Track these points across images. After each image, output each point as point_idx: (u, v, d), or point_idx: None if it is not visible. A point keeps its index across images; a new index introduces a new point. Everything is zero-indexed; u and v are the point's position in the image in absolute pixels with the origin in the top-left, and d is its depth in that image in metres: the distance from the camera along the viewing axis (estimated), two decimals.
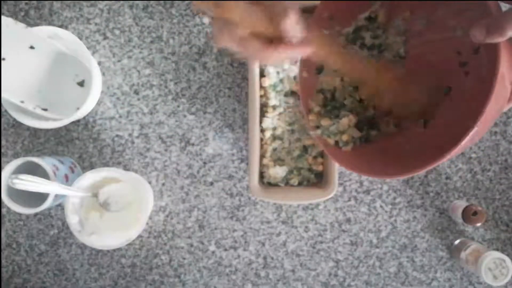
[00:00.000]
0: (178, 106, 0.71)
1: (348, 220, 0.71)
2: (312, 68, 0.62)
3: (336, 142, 0.60)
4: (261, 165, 0.66)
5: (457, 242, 0.70)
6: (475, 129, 0.42)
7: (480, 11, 0.43)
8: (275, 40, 0.43)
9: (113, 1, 0.70)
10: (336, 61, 0.53)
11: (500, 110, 0.45)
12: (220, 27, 0.43)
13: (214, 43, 0.44)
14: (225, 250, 0.71)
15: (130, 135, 0.71)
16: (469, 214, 0.65)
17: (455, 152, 0.44)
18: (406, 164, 0.50)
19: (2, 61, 0.62)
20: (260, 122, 0.65)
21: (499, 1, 0.44)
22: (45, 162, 0.62)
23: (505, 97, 0.45)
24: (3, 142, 0.71)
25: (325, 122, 0.60)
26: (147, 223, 0.71)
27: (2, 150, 0.71)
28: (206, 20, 0.70)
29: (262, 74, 0.65)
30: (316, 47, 0.48)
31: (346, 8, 0.58)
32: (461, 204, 0.67)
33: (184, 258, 0.71)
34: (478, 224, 0.65)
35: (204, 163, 0.71)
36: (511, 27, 0.40)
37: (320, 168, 0.65)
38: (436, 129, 0.54)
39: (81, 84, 0.68)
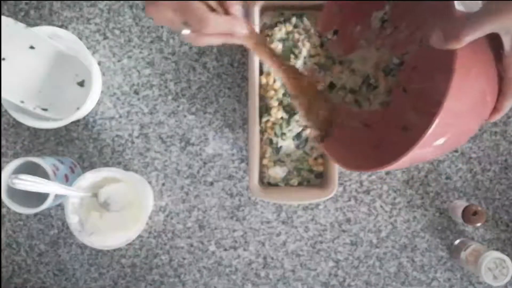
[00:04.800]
0: (178, 106, 0.71)
1: (348, 220, 0.71)
2: None
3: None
4: (261, 165, 0.66)
5: (457, 242, 0.70)
6: (422, 140, 0.41)
7: (447, 18, 0.43)
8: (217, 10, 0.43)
9: (113, 1, 0.70)
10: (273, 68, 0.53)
11: (476, 120, 0.45)
12: None
13: (147, 12, 0.42)
14: (225, 250, 0.71)
15: (130, 135, 0.71)
16: (469, 214, 0.65)
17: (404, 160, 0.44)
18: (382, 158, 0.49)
19: (2, 61, 0.62)
20: (260, 122, 0.65)
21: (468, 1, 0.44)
22: (45, 162, 0.62)
23: (484, 107, 0.44)
24: (3, 142, 0.71)
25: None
26: (147, 223, 0.71)
27: (2, 150, 0.71)
28: None
29: (261, 73, 0.65)
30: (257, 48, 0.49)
31: (357, 5, 0.58)
32: (461, 204, 0.67)
33: (184, 258, 0.71)
34: (478, 224, 0.65)
35: (204, 163, 0.71)
36: (466, 33, 0.39)
37: (320, 168, 0.65)
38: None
39: (81, 84, 0.68)
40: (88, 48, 0.70)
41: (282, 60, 0.54)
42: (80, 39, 0.69)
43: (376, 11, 0.58)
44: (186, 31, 0.44)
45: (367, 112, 0.61)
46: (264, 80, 0.65)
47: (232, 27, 0.45)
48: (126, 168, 0.71)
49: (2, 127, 0.71)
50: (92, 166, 0.71)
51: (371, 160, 0.51)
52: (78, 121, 0.71)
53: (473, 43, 0.40)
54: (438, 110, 0.40)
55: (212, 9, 0.43)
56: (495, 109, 0.46)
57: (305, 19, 0.65)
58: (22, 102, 0.64)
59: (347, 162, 0.55)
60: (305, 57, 0.63)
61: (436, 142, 0.43)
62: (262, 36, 0.62)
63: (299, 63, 0.63)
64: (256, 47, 0.50)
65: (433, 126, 0.40)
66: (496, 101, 0.45)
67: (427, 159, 0.49)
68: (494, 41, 0.43)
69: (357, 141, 0.59)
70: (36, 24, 0.70)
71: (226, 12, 0.44)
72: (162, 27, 0.70)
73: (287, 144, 0.65)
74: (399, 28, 0.58)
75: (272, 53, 0.52)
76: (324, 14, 0.60)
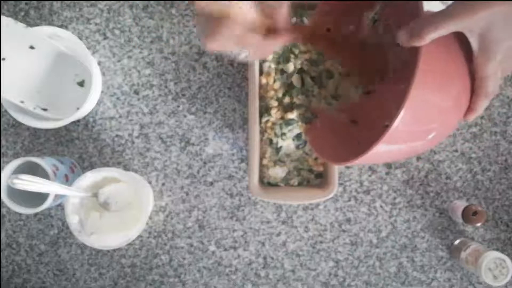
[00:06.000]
0: (178, 106, 0.71)
1: (348, 220, 0.71)
2: None
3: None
4: (261, 165, 0.66)
5: (457, 242, 0.70)
6: (388, 134, 0.42)
7: (415, 17, 0.44)
8: (270, 32, 0.47)
9: (113, 1, 0.70)
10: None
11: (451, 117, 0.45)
12: (215, 27, 0.43)
13: (206, 45, 0.46)
14: (225, 250, 0.71)
15: (130, 135, 0.71)
16: (469, 214, 0.65)
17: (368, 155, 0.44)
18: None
19: (2, 61, 0.62)
20: (260, 122, 0.65)
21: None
22: (45, 162, 0.62)
23: (458, 105, 0.45)
24: (3, 142, 0.71)
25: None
26: (147, 223, 0.71)
27: (2, 150, 0.71)
28: None
29: (261, 73, 0.65)
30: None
31: (348, 5, 0.58)
32: (461, 204, 0.67)
33: (184, 258, 0.71)
34: (478, 224, 0.65)
35: (204, 163, 0.71)
36: (428, 31, 0.41)
37: (320, 168, 0.65)
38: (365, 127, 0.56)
39: (81, 84, 0.68)
40: (88, 48, 0.70)
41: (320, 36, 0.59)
42: (80, 39, 0.69)
43: (367, 11, 0.59)
44: (243, 54, 0.49)
45: (356, 108, 0.62)
46: (264, 80, 0.65)
47: (285, 42, 0.50)
48: (126, 168, 0.71)
49: (2, 127, 0.71)
50: (92, 166, 0.71)
51: (353, 155, 0.51)
52: (78, 121, 0.71)
53: (442, 42, 0.41)
54: (403, 103, 0.41)
55: (267, 31, 0.47)
56: (470, 109, 0.47)
57: (305, 19, 0.65)
58: (22, 102, 0.64)
59: (331, 155, 0.56)
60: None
61: (404, 138, 0.43)
62: (304, 28, 0.65)
63: (298, 63, 0.64)
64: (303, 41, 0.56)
65: (399, 118, 0.41)
66: (470, 101, 0.46)
67: (401, 156, 0.49)
68: (466, 42, 0.43)
69: (343, 136, 0.60)
70: (36, 24, 0.70)
71: (279, 29, 0.48)
72: (162, 26, 0.70)
73: (287, 144, 0.65)
74: (391, 28, 0.58)
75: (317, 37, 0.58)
76: (316, 14, 0.60)
